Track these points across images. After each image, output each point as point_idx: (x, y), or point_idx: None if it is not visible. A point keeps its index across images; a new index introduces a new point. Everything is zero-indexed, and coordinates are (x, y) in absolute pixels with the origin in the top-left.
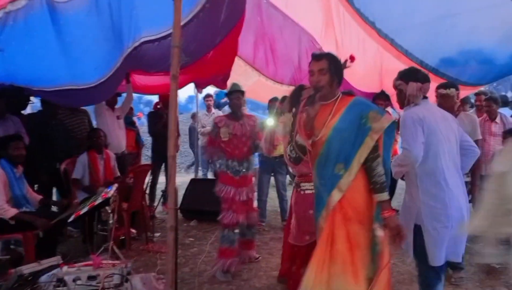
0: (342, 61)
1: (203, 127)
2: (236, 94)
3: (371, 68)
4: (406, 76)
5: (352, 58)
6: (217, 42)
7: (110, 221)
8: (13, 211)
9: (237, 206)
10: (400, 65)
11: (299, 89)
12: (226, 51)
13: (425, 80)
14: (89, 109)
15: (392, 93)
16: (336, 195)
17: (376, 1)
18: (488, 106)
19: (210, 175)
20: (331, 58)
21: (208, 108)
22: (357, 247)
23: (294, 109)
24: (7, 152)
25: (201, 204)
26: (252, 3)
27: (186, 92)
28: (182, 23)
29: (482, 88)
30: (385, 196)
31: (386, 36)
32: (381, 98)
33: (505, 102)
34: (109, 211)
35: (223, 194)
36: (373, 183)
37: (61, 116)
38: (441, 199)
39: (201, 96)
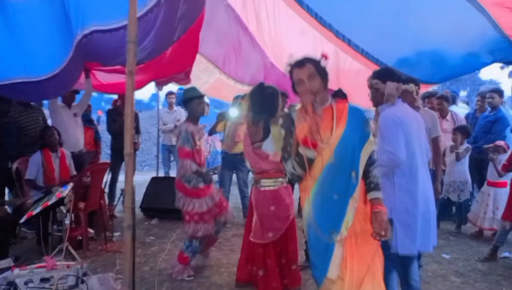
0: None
1: (164, 124)
2: (201, 98)
3: (329, 68)
4: (383, 75)
5: (325, 56)
6: (175, 39)
7: (65, 221)
8: None
9: (210, 215)
10: (357, 64)
11: (275, 95)
12: (186, 48)
13: (400, 79)
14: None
15: (348, 92)
16: (354, 204)
17: (332, 3)
18: (439, 104)
19: (171, 173)
20: (313, 61)
21: (170, 106)
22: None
23: (281, 121)
24: None
25: (162, 202)
26: (212, 2)
27: (149, 90)
28: (141, 14)
29: (430, 89)
30: (379, 194)
31: (344, 37)
32: (339, 96)
33: (453, 99)
34: (64, 211)
35: (195, 209)
36: (368, 183)
37: (13, 114)
38: (413, 195)
39: (162, 93)
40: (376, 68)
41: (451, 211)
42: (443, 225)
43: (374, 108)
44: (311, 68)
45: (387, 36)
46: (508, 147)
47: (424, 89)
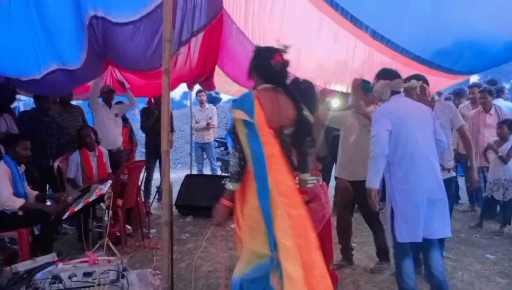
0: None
1: (197, 122)
2: None
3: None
4: (378, 75)
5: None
6: (186, 38)
7: (105, 218)
8: (20, 201)
9: None
10: (393, 63)
11: (312, 88)
12: (208, 53)
13: (395, 76)
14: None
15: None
16: None
17: (368, 3)
18: (483, 97)
19: (205, 171)
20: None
21: (202, 104)
22: None
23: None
24: (15, 149)
25: (196, 199)
26: (227, 26)
27: (181, 88)
28: (149, 10)
29: (476, 80)
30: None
31: (382, 38)
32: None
33: (501, 91)
34: (104, 207)
35: None
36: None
37: (53, 113)
38: (410, 183)
39: (194, 92)
40: (418, 65)
41: (495, 210)
42: (486, 224)
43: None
44: None
45: (427, 29)
46: None
47: (462, 78)
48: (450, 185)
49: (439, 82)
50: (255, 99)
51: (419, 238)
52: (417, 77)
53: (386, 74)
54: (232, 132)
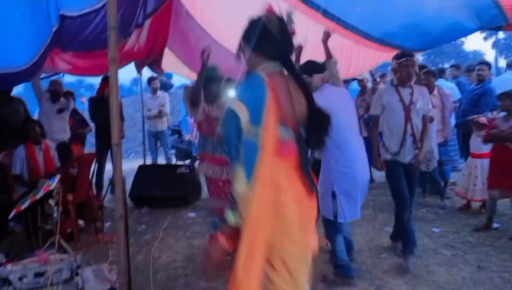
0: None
1: (149, 110)
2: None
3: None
4: (308, 70)
5: (269, 10)
6: (140, 21)
7: (55, 214)
8: None
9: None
10: (346, 41)
11: None
12: (157, 36)
13: (324, 69)
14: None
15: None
16: None
17: None
18: (426, 79)
19: (159, 160)
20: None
21: (154, 91)
22: None
23: None
24: None
25: (151, 190)
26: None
27: (131, 74)
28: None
29: (419, 61)
30: None
31: (333, 17)
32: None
33: (442, 72)
34: (53, 204)
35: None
36: None
37: None
38: (351, 166)
39: (144, 79)
40: (368, 43)
41: (440, 185)
42: (432, 199)
43: None
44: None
45: (371, 5)
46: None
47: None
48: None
49: (380, 57)
50: (269, 88)
51: (358, 215)
52: (408, 54)
53: (318, 68)
54: (235, 133)
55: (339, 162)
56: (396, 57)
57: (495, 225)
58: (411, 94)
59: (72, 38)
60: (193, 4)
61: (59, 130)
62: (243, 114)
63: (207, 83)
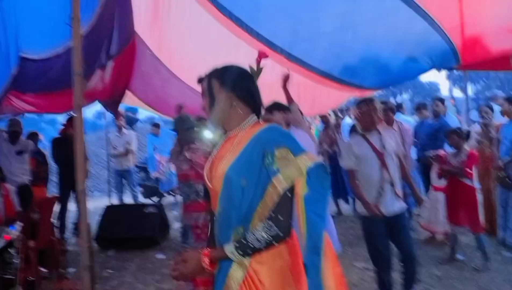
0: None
1: (114, 148)
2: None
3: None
4: (269, 107)
5: (262, 55)
6: (104, 61)
7: (16, 264)
8: None
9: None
10: (297, 76)
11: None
12: (118, 76)
13: (287, 109)
14: None
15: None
16: (236, 273)
17: (280, 26)
18: (386, 115)
19: (125, 198)
20: (211, 75)
21: (120, 129)
22: None
23: None
24: None
25: (118, 231)
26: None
27: (94, 108)
28: (70, 45)
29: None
30: (235, 255)
31: (282, 51)
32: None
33: (400, 106)
34: (13, 253)
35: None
36: (239, 242)
37: None
38: None
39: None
40: (330, 83)
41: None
42: None
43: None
44: (204, 85)
45: (331, 46)
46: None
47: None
48: (405, 215)
49: (343, 96)
50: None
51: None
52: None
53: (280, 107)
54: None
55: None
56: (357, 104)
57: (459, 257)
58: (380, 138)
59: (32, 81)
60: (159, 44)
61: (19, 172)
62: (309, 159)
63: (182, 131)
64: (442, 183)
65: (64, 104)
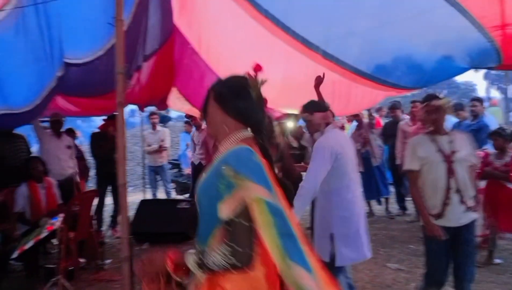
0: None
1: (149, 145)
2: None
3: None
4: (310, 108)
5: (257, 68)
6: (139, 63)
7: (57, 253)
8: None
9: None
10: (334, 75)
11: None
12: (160, 75)
13: (326, 108)
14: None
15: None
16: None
17: (316, 25)
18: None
19: (159, 195)
20: (212, 85)
21: (153, 126)
22: None
23: None
24: None
25: (152, 226)
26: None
27: (128, 106)
28: (108, 47)
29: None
30: (194, 269)
31: (318, 49)
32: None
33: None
34: (56, 243)
35: None
36: (199, 259)
37: None
38: (348, 209)
39: (145, 114)
40: (355, 77)
41: None
42: None
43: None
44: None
45: (365, 44)
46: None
47: (403, 92)
48: (473, 228)
49: (378, 95)
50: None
51: (359, 258)
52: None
53: (320, 107)
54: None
55: (338, 206)
56: (423, 101)
57: (497, 260)
58: (452, 142)
59: (77, 84)
60: (198, 42)
61: (67, 165)
62: (263, 192)
63: None
64: (481, 184)
65: (104, 107)
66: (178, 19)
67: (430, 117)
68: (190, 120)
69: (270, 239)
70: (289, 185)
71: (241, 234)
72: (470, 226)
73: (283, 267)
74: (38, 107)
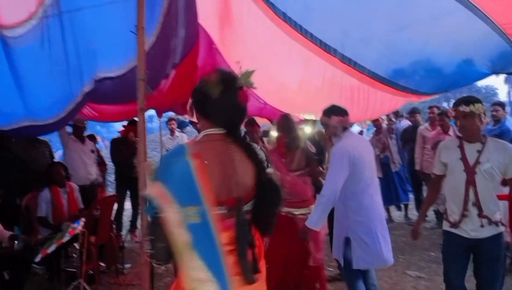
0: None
1: (167, 151)
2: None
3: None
4: (327, 112)
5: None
6: (168, 71)
7: (78, 257)
8: None
9: None
10: (352, 80)
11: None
12: (183, 80)
13: (346, 113)
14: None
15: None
16: None
17: (334, 28)
18: (441, 120)
19: None
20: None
21: (172, 132)
22: None
23: None
24: None
25: None
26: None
27: (146, 111)
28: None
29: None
30: None
31: (350, 61)
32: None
33: None
34: (77, 247)
35: None
36: None
37: (18, 149)
38: (366, 214)
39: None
40: (373, 82)
41: None
42: None
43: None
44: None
45: (382, 47)
46: None
47: (421, 98)
48: (499, 243)
49: (398, 101)
50: (194, 162)
51: (374, 265)
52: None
53: (338, 111)
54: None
55: (355, 211)
56: (455, 104)
57: None
58: (480, 151)
59: (104, 95)
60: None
61: (92, 170)
62: (164, 196)
63: None
64: (504, 190)
65: (125, 112)
66: (202, 20)
67: (459, 123)
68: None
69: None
70: (275, 186)
71: (156, 229)
72: (493, 241)
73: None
74: (62, 119)
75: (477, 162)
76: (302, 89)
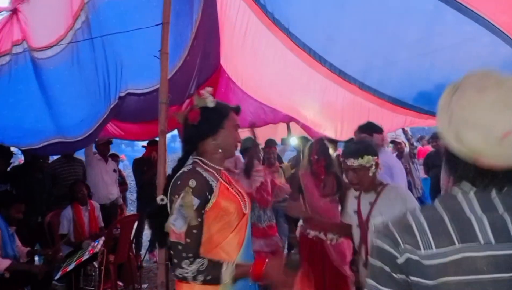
0: None
1: None
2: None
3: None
4: (369, 129)
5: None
6: (192, 91)
7: (97, 276)
8: (6, 263)
9: None
10: (369, 104)
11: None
12: None
13: (382, 130)
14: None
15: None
16: None
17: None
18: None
19: None
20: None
21: None
22: None
23: None
24: (8, 211)
25: None
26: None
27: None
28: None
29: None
30: None
31: (369, 88)
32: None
33: None
34: (96, 266)
35: None
36: None
37: (55, 164)
38: None
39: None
40: (394, 107)
41: None
42: None
43: None
44: None
45: (405, 74)
46: None
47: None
48: None
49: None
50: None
51: None
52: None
53: (376, 128)
54: None
55: None
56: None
57: None
58: (372, 203)
59: (129, 112)
60: (235, 71)
61: (114, 190)
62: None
63: (248, 152)
64: None
65: (149, 131)
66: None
67: (348, 176)
68: None
69: None
70: None
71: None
72: None
73: None
74: (90, 135)
75: (369, 216)
76: (322, 112)
